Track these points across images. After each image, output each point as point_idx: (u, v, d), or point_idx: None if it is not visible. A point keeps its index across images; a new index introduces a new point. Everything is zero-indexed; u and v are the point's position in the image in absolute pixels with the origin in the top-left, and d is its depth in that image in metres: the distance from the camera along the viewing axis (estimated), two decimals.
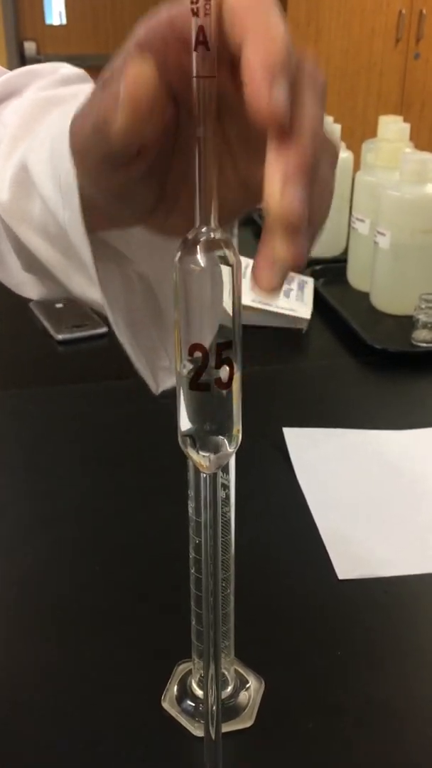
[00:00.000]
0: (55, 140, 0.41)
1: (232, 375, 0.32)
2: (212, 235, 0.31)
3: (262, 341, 1.00)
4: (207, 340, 0.32)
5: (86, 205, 0.39)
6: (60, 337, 1.00)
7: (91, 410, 0.86)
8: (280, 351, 1.00)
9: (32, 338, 1.02)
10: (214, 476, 0.35)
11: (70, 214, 0.40)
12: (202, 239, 0.31)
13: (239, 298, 0.32)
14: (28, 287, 0.53)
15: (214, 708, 0.40)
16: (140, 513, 0.68)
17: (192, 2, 0.28)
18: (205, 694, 0.39)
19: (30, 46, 3.98)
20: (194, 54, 0.29)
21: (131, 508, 0.69)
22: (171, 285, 0.52)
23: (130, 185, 0.36)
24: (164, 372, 0.51)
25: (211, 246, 0.31)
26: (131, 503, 0.70)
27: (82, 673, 0.52)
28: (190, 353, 0.32)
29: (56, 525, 0.67)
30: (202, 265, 0.31)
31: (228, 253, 0.31)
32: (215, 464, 0.34)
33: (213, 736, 0.40)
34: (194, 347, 0.32)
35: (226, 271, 0.31)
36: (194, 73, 0.29)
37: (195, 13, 0.29)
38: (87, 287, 0.44)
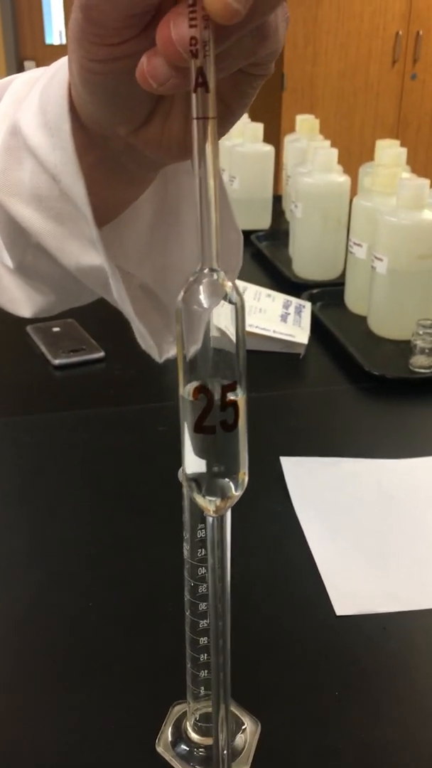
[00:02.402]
0: (44, 87, 0.40)
1: (237, 417, 0.32)
2: (215, 276, 0.30)
3: (258, 367, 0.99)
4: (211, 380, 0.31)
5: (78, 132, 0.39)
6: (57, 362, 0.99)
7: (87, 438, 0.85)
8: (277, 377, 0.99)
9: (29, 363, 1.01)
10: (221, 518, 0.34)
11: (62, 154, 0.40)
12: (204, 280, 0.30)
13: (243, 337, 0.32)
14: (21, 304, 0.51)
15: (225, 752, 0.39)
16: (135, 547, 0.67)
17: (191, 44, 0.28)
18: (215, 738, 0.38)
19: (30, 66, 4.00)
20: (193, 96, 0.29)
21: (126, 541, 0.68)
22: (168, 283, 0.50)
23: (125, 74, 0.34)
24: (168, 345, 0.50)
25: (214, 286, 0.30)
26: (126, 536, 0.68)
27: (74, 714, 0.51)
28: (195, 396, 0.31)
29: (49, 558, 0.66)
30: (205, 306, 0.30)
31: (231, 293, 0.31)
32: (221, 508, 0.34)
33: None
34: (198, 389, 0.31)
35: (229, 310, 0.31)
36: (193, 115, 0.29)
37: (194, 55, 0.28)
38: (83, 254, 0.43)
